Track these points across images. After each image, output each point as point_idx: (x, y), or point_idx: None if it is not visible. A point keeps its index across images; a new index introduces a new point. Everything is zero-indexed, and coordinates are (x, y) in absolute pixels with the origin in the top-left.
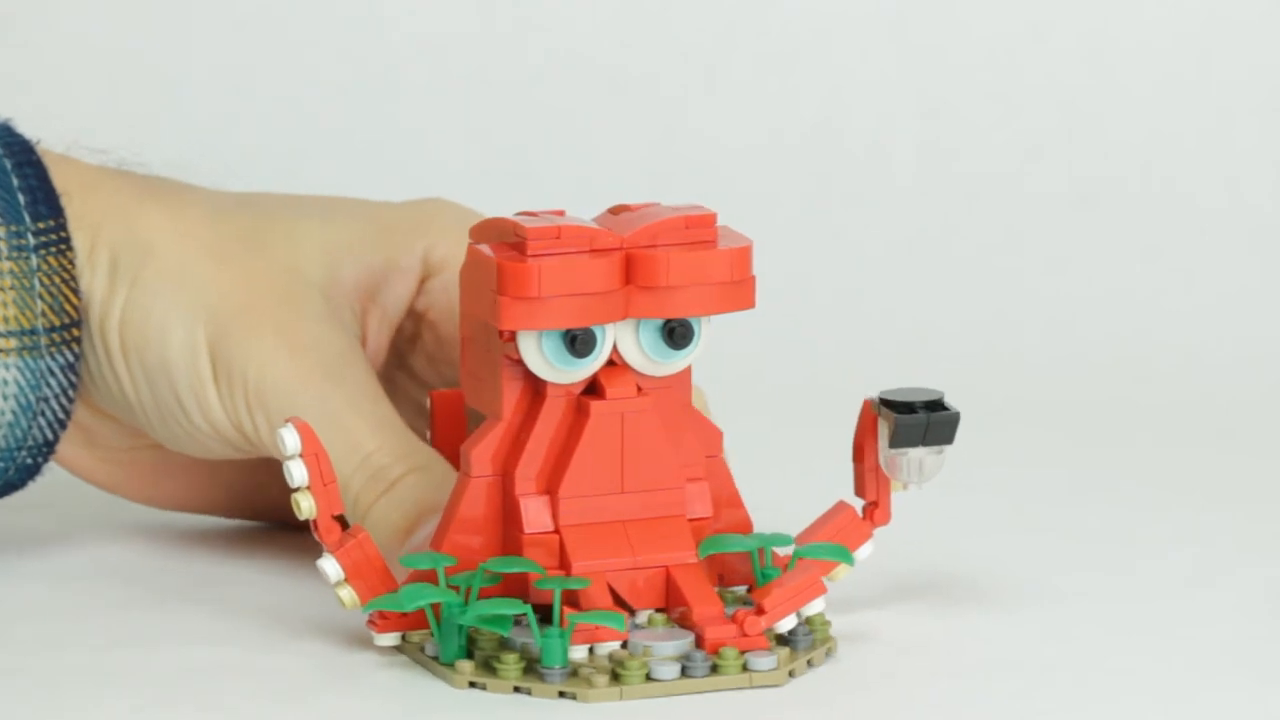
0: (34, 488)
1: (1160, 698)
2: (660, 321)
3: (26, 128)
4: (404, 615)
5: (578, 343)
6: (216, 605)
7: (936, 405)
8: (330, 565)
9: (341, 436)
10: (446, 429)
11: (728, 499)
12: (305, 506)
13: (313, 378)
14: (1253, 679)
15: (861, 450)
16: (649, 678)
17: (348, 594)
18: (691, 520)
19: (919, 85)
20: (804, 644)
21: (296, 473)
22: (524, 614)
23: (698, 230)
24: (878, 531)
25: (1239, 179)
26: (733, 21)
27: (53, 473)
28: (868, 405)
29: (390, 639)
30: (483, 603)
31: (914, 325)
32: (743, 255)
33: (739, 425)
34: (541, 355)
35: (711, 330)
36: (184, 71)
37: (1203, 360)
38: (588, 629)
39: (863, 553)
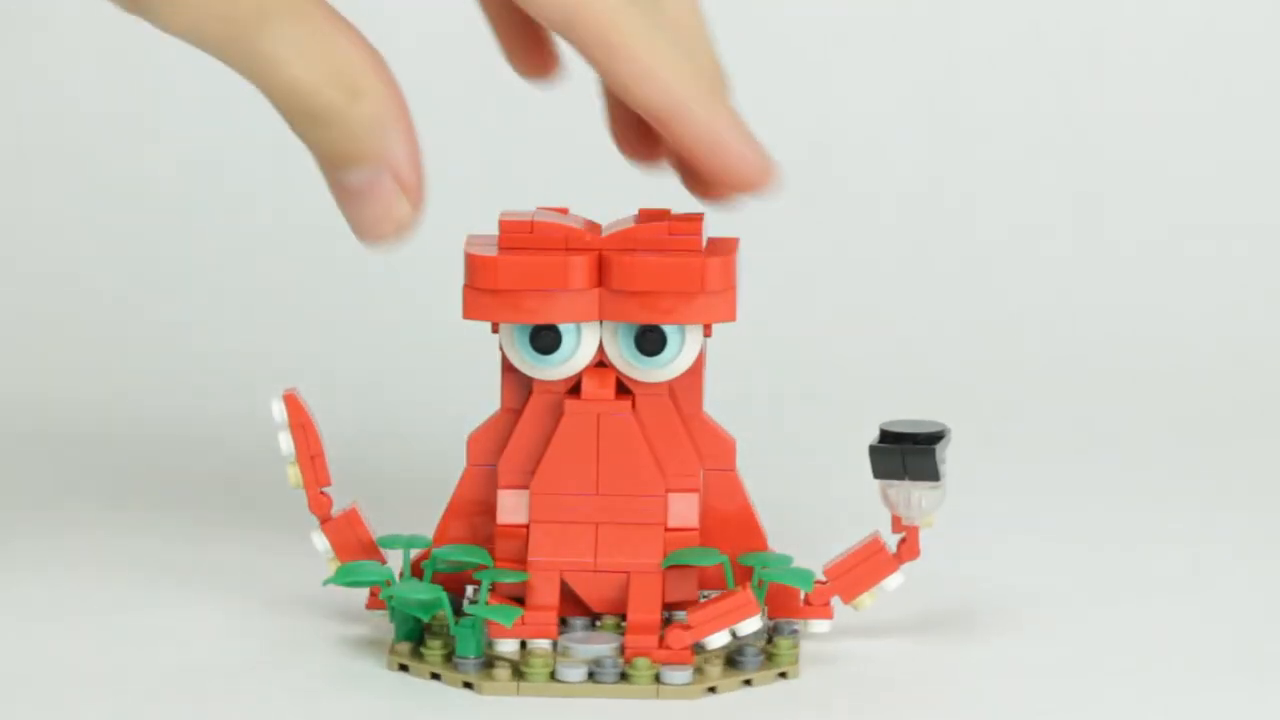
0: (34, 489)
1: (1160, 698)
2: (635, 326)
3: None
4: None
5: (538, 339)
6: (217, 605)
7: (926, 439)
8: (319, 539)
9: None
10: None
11: (738, 512)
12: (293, 477)
13: None
14: (1253, 679)
15: None
16: (553, 678)
17: (335, 567)
18: (673, 530)
19: (919, 85)
20: (752, 664)
21: (284, 444)
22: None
23: (681, 237)
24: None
25: (1238, 184)
26: (733, 22)
27: (53, 473)
28: None
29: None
30: (404, 587)
31: (914, 325)
32: (723, 265)
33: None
34: (517, 350)
35: (701, 341)
36: (184, 71)
37: (1203, 360)
38: (517, 624)
39: (890, 584)
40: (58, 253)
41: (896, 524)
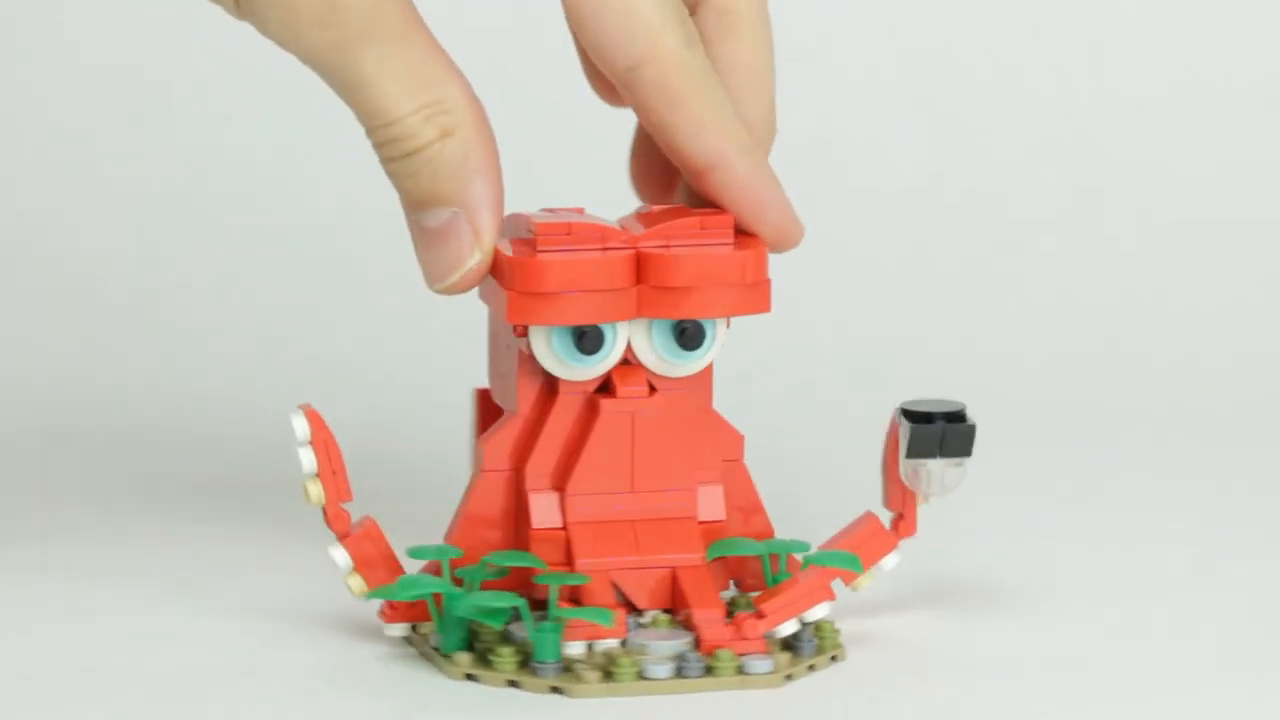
0: (34, 487)
1: (1160, 698)
2: (672, 322)
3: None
4: (413, 606)
5: (585, 340)
6: (217, 605)
7: (956, 417)
8: (339, 553)
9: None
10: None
11: (748, 504)
12: (314, 493)
13: None
14: (1253, 679)
15: (889, 462)
16: (641, 676)
17: (356, 582)
18: (704, 523)
19: (919, 85)
20: (808, 649)
21: (305, 460)
22: (518, 607)
23: (713, 232)
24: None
25: (1239, 179)
26: None
27: (52, 474)
28: (895, 417)
29: (399, 629)
30: (478, 594)
31: (913, 325)
32: (757, 258)
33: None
34: (552, 352)
35: (728, 334)
36: (184, 71)
37: (1203, 360)
38: (583, 625)
39: (888, 563)
40: (58, 253)
41: (893, 502)
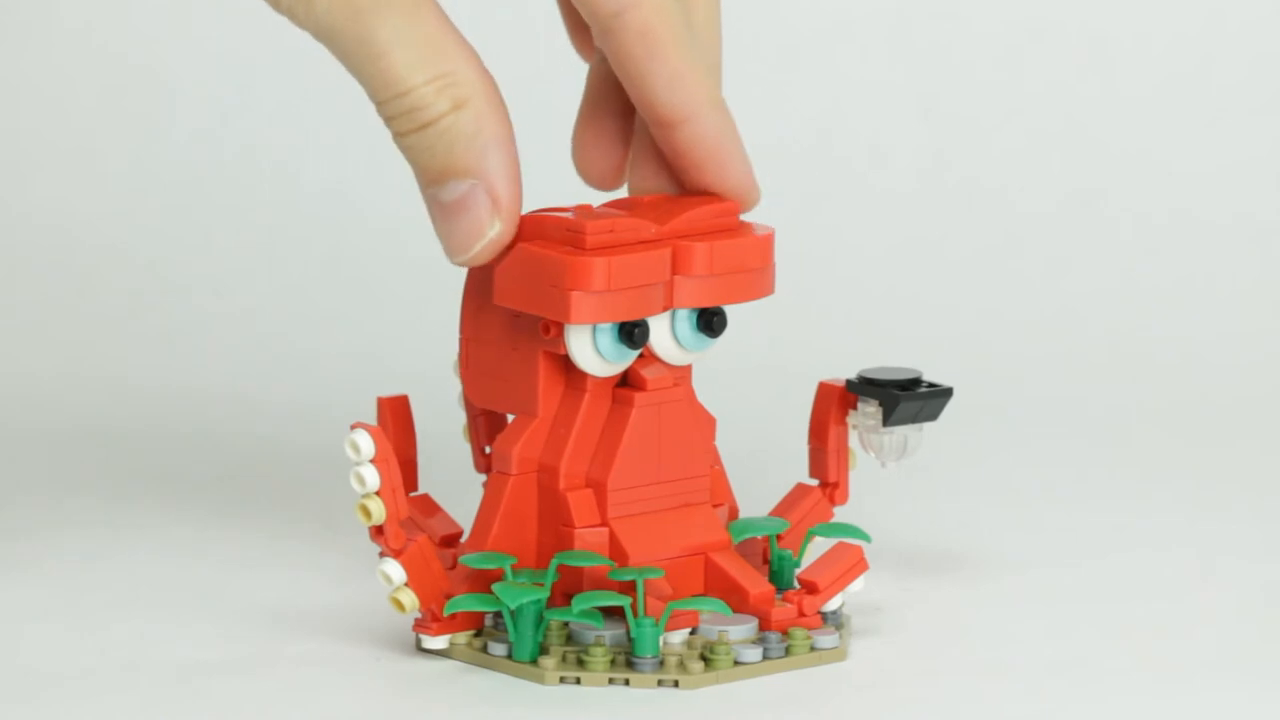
0: (34, 488)
1: (1159, 698)
2: (696, 311)
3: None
4: (454, 617)
5: (635, 335)
6: (217, 605)
7: (917, 384)
8: (394, 569)
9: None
10: (397, 434)
11: (723, 487)
12: (375, 511)
13: None
14: (1252, 679)
15: (824, 431)
16: (737, 662)
17: (409, 598)
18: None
19: (919, 86)
20: (833, 624)
21: (369, 478)
22: (620, 606)
23: (725, 218)
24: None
25: (1239, 179)
26: (733, 23)
27: (51, 474)
28: (826, 386)
29: (441, 642)
30: (582, 597)
31: (913, 325)
32: (768, 242)
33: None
34: (594, 349)
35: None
36: (184, 71)
37: (1203, 360)
38: (680, 614)
39: (854, 586)
40: (58, 253)
41: (829, 472)
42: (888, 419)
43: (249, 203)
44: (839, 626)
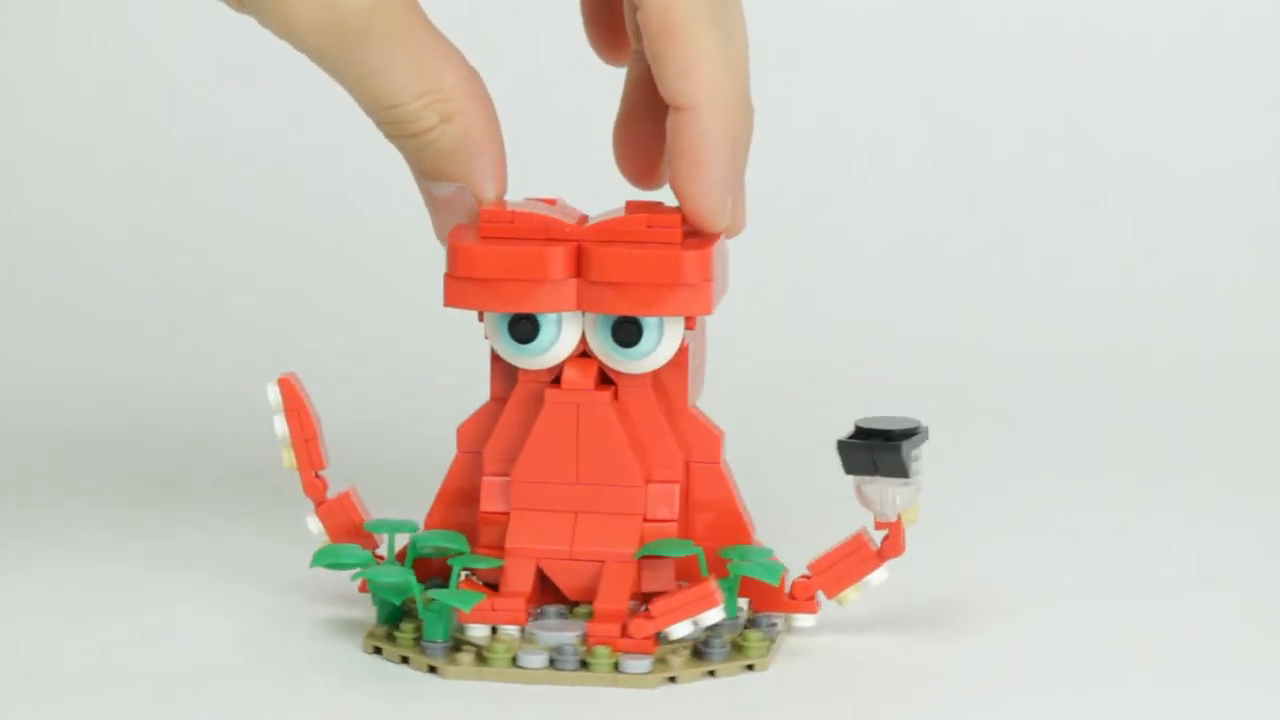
0: (33, 488)
1: (1159, 698)
2: (612, 318)
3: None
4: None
5: (517, 328)
6: (218, 604)
7: (905, 435)
8: (313, 522)
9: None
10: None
11: (723, 504)
12: (287, 460)
13: None
14: (1252, 679)
15: None
16: (514, 664)
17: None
18: (651, 520)
19: (919, 87)
20: (718, 655)
21: (279, 427)
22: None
23: (661, 230)
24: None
25: (1239, 180)
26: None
27: (52, 474)
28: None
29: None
30: (379, 569)
31: (913, 325)
32: (700, 259)
33: (737, 426)
34: (499, 339)
35: (682, 334)
36: (184, 71)
37: (1203, 360)
38: (480, 609)
39: (875, 579)
40: (58, 253)
41: (880, 520)
42: (844, 467)
43: (249, 203)
44: (709, 658)
